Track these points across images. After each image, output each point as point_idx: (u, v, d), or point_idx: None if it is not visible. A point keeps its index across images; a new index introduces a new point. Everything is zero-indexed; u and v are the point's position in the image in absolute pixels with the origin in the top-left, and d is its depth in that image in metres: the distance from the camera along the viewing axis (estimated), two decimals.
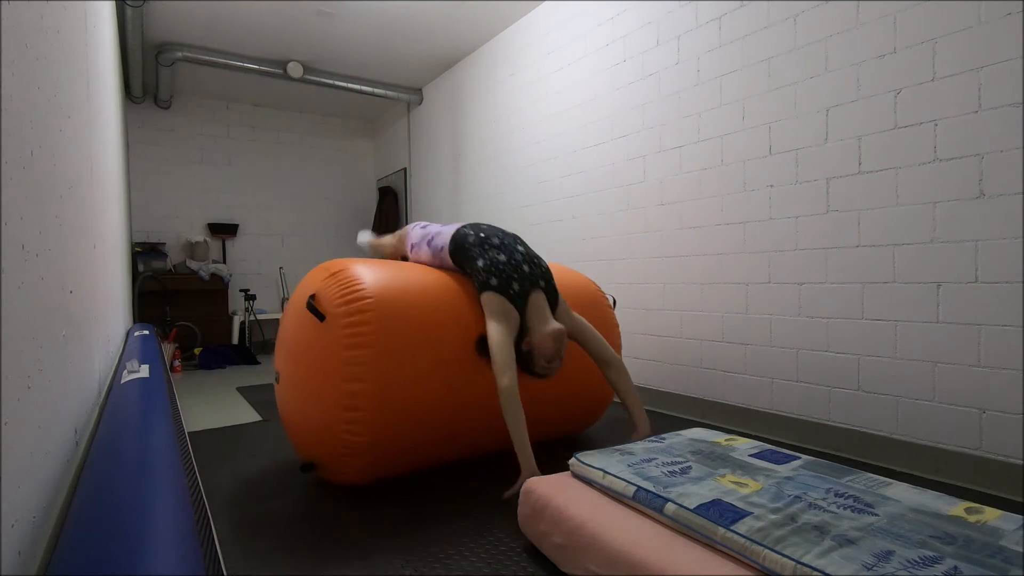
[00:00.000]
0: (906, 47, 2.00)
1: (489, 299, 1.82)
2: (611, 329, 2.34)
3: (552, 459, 2.17)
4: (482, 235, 1.98)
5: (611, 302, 2.50)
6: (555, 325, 1.84)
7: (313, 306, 1.75)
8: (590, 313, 2.28)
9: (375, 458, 1.75)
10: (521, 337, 1.85)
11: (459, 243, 1.99)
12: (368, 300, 1.75)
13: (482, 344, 1.88)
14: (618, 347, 2.34)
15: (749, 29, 2.51)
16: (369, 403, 1.68)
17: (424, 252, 2.15)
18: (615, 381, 1.99)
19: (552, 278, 1.98)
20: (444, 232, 2.09)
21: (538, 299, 1.88)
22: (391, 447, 1.76)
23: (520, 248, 1.98)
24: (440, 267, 2.09)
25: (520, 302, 1.85)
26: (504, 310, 1.81)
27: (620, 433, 2.55)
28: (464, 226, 2.06)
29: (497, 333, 1.77)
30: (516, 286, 1.85)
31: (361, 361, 1.68)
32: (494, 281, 1.84)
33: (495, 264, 1.87)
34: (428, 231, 2.17)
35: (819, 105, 2.26)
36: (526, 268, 1.91)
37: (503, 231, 2.04)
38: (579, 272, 2.46)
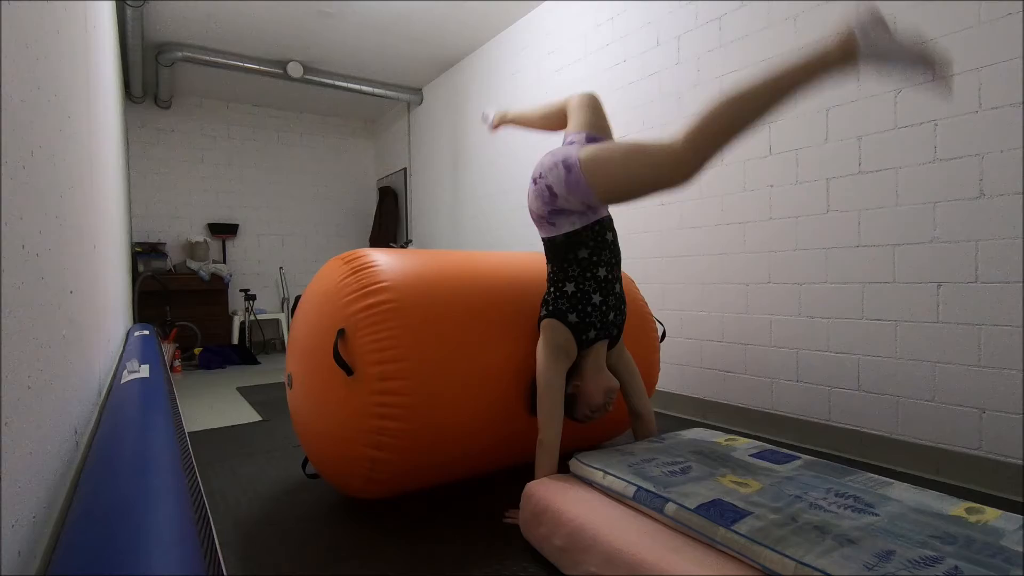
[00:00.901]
0: None
1: (556, 331, 1.60)
2: (651, 361, 2.12)
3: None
4: (595, 257, 1.64)
5: (660, 333, 2.28)
6: (611, 380, 1.67)
7: (340, 360, 1.51)
8: (632, 340, 2.05)
9: (398, 478, 1.58)
10: (569, 378, 1.67)
11: (569, 245, 1.64)
12: (392, 308, 1.56)
13: (532, 400, 1.69)
14: (655, 379, 2.18)
15: (749, 29, 2.51)
16: (396, 442, 1.50)
17: (540, 204, 1.65)
18: (638, 434, 1.84)
19: (623, 326, 1.78)
20: (565, 217, 1.62)
21: (601, 346, 1.69)
22: (418, 466, 1.59)
23: (617, 288, 1.70)
24: (569, 196, 1.56)
25: (585, 347, 1.67)
26: (567, 350, 1.60)
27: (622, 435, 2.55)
28: (593, 224, 1.64)
29: (551, 374, 1.57)
30: (592, 333, 1.64)
31: (392, 376, 1.48)
32: (573, 318, 1.61)
33: (585, 301, 1.63)
34: (558, 204, 1.61)
35: (819, 105, 2.26)
36: (611, 316, 1.68)
37: (615, 257, 1.70)
38: (636, 289, 2.23)
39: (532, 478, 1.70)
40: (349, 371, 1.51)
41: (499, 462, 1.82)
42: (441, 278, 1.71)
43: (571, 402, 1.67)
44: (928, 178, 1.95)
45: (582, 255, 1.64)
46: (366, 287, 1.59)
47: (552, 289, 1.67)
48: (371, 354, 1.49)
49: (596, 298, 1.64)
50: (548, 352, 1.59)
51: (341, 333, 1.55)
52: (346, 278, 1.65)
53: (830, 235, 2.24)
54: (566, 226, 1.63)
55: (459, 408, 1.58)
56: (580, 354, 1.67)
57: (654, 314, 3.02)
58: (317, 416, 1.65)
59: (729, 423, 2.65)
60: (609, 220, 1.70)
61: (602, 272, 1.65)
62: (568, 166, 1.53)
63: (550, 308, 1.65)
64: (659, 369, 2.28)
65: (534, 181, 1.65)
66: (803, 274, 2.34)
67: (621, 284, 1.73)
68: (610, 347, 1.76)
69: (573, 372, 1.68)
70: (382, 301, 1.56)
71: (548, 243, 1.69)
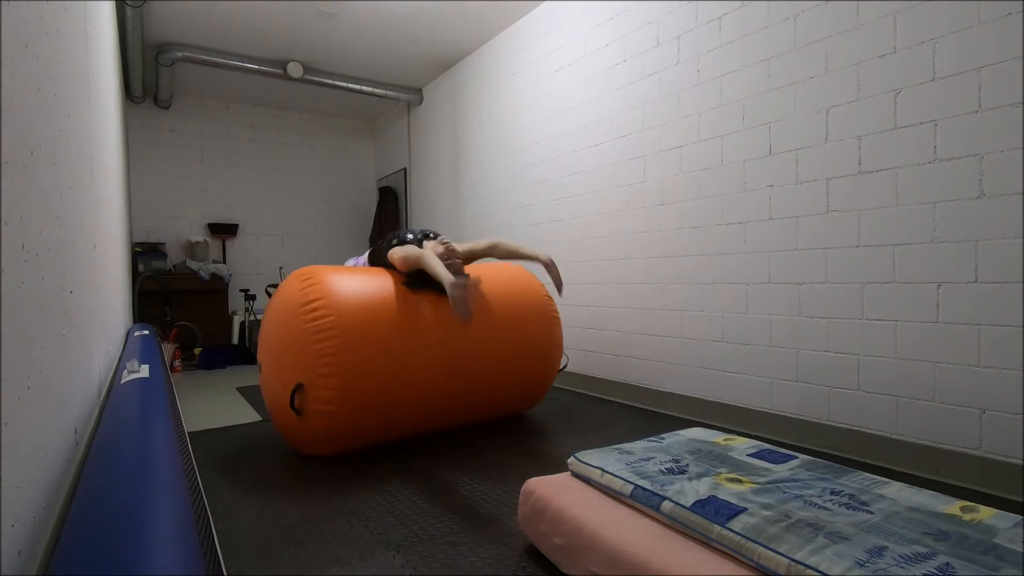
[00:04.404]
0: (906, 47, 2.00)
1: (394, 249, 2.37)
2: (550, 322, 2.73)
3: (551, 459, 2.17)
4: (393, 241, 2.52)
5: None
6: (435, 246, 2.33)
7: (293, 405, 2.06)
8: (529, 306, 2.68)
9: (343, 418, 2.08)
10: (423, 280, 2.33)
11: (373, 255, 2.57)
12: (324, 298, 2.13)
13: (410, 281, 2.35)
14: (557, 331, 2.74)
15: (749, 29, 2.51)
16: (338, 367, 2.04)
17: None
18: (502, 251, 2.49)
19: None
20: (361, 259, 2.75)
21: (430, 242, 2.39)
22: (358, 408, 2.10)
23: (415, 231, 2.54)
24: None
25: (418, 245, 2.40)
26: (406, 252, 2.30)
27: (611, 433, 2.55)
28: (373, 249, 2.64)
29: (409, 251, 2.27)
30: (409, 236, 2.45)
31: (328, 339, 2.06)
32: (395, 241, 2.46)
33: (399, 238, 2.48)
34: (357, 263, 2.78)
35: (819, 105, 2.26)
36: (420, 235, 2.49)
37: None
38: (523, 269, 2.89)
39: (516, 468, 1.71)
40: (299, 412, 2.07)
41: (442, 414, 2.39)
42: (371, 282, 2.30)
43: (433, 281, 2.24)
44: (928, 178, 1.95)
45: (382, 245, 2.54)
46: (307, 295, 2.14)
47: (388, 250, 2.43)
48: (311, 334, 2.06)
49: (408, 236, 2.48)
50: (401, 250, 2.33)
51: (299, 387, 2.06)
52: (294, 283, 2.24)
53: (830, 235, 2.24)
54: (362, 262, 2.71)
55: (385, 356, 2.15)
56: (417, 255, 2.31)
57: (652, 314, 3.02)
58: (278, 381, 2.17)
59: (729, 423, 2.65)
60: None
61: (392, 237, 2.53)
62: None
63: (389, 253, 2.39)
64: (560, 327, 2.79)
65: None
66: (803, 274, 2.34)
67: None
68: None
69: (425, 277, 2.31)
70: (320, 306, 2.11)
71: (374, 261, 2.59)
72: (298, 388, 2.04)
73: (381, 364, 2.13)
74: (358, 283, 2.23)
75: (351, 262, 2.82)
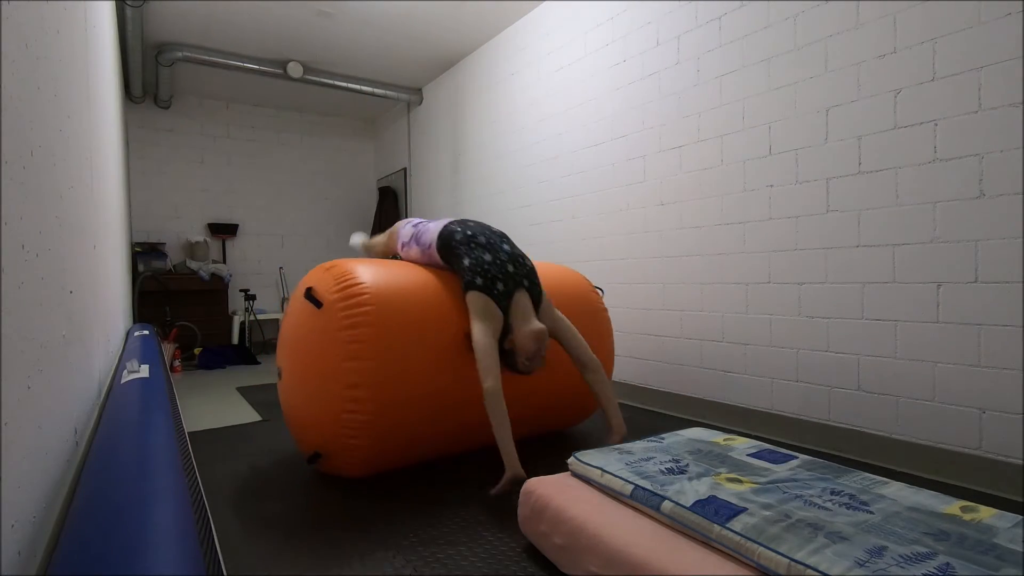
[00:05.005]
0: (906, 47, 2.00)
1: (473, 298, 1.85)
2: (601, 324, 2.38)
3: (549, 460, 2.17)
4: (468, 233, 1.98)
5: (600, 294, 2.53)
6: (536, 325, 1.85)
7: (311, 295, 1.83)
8: (579, 308, 2.30)
9: (376, 447, 1.79)
10: (504, 335, 1.87)
11: (446, 240, 2.00)
12: (366, 293, 1.80)
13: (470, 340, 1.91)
14: (608, 340, 2.37)
15: (749, 29, 2.51)
16: (369, 394, 1.72)
17: (414, 250, 2.16)
18: (592, 383, 1.99)
19: (536, 277, 1.98)
20: (432, 229, 2.09)
21: (522, 298, 1.90)
22: (391, 436, 1.80)
23: (506, 247, 1.98)
24: (429, 264, 2.11)
25: (504, 301, 1.86)
26: (488, 310, 1.83)
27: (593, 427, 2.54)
28: (451, 222, 2.05)
29: (480, 334, 1.79)
30: (500, 286, 1.86)
31: (360, 355, 1.72)
32: (479, 281, 1.86)
33: (480, 263, 1.88)
34: (418, 229, 2.17)
35: (819, 105, 2.26)
36: (511, 268, 1.92)
37: (490, 229, 2.05)
38: (569, 268, 2.51)
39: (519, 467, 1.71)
40: (319, 304, 1.81)
41: (472, 437, 2.03)
42: (406, 275, 1.97)
43: (511, 357, 1.86)
44: (928, 178, 1.95)
45: (457, 239, 1.97)
46: (341, 281, 1.84)
47: (461, 275, 1.94)
48: (344, 331, 1.75)
49: (487, 256, 1.91)
50: (474, 318, 1.83)
51: (309, 289, 1.86)
52: (324, 273, 1.91)
53: (830, 235, 2.24)
54: (431, 238, 2.07)
55: (417, 384, 1.81)
56: (505, 310, 1.87)
57: (652, 315, 3.02)
58: (302, 392, 1.89)
59: (729, 423, 2.65)
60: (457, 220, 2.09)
61: (481, 240, 1.97)
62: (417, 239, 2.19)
63: (465, 285, 1.90)
64: (611, 325, 2.51)
65: (403, 247, 2.25)
66: (803, 274, 2.34)
67: (511, 246, 2.01)
68: (536, 303, 1.95)
69: (506, 333, 1.88)
70: (356, 292, 1.80)
71: (442, 256, 2.03)
72: (314, 458, 1.86)
73: (422, 388, 1.81)
74: (401, 282, 1.90)
75: (407, 227, 2.24)
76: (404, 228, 2.26)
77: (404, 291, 1.88)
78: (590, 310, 2.37)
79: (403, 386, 1.78)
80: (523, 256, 2.00)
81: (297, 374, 1.92)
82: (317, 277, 1.92)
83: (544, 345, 1.85)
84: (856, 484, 1.29)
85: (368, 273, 1.87)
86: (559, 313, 2.03)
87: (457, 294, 1.97)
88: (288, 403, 1.99)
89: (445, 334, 1.88)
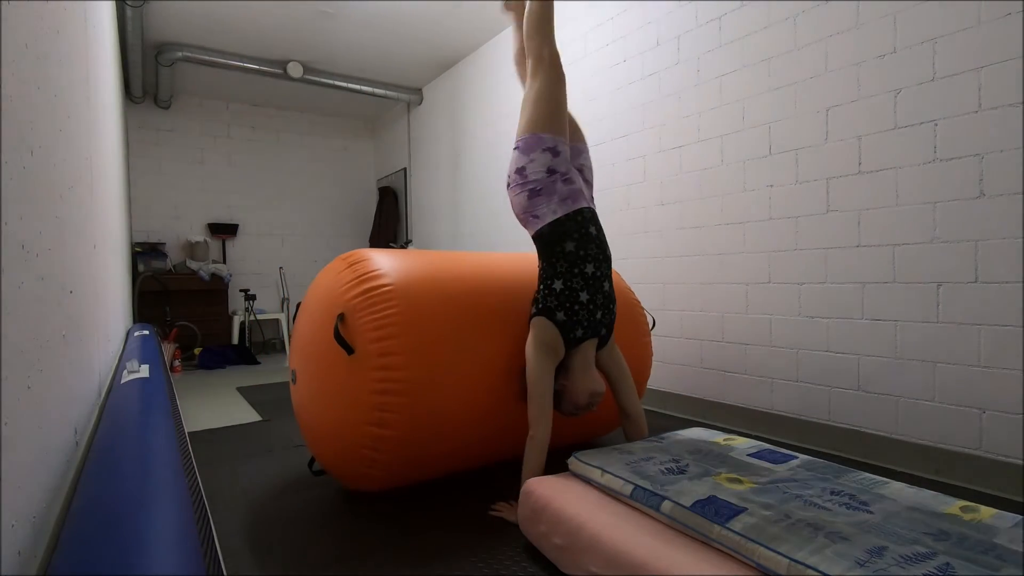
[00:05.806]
0: (906, 47, 2.00)
1: (544, 328, 1.65)
2: (642, 355, 2.20)
3: (549, 460, 2.17)
4: (582, 253, 1.69)
5: (650, 323, 2.31)
6: (597, 383, 1.71)
7: (341, 339, 1.57)
8: (621, 331, 2.11)
9: (399, 460, 1.62)
10: (557, 371, 1.72)
11: (556, 237, 1.70)
12: (390, 289, 1.62)
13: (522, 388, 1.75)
14: (645, 372, 2.24)
15: (749, 29, 2.51)
16: (397, 418, 1.54)
17: (519, 198, 1.76)
18: (626, 429, 1.86)
19: (613, 325, 1.80)
20: (544, 201, 1.71)
21: (590, 346, 1.73)
22: (417, 458, 1.64)
23: (606, 286, 1.74)
24: (523, 206, 1.75)
25: (574, 346, 1.70)
26: (555, 346, 1.65)
27: (617, 434, 2.54)
28: (575, 214, 1.70)
29: (540, 371, 1.61)
30: (579, 332, 1.68)
31: (391, 351, 1.54)
32: (561, 316, 1.65)
33: (572, 297, 1.67)
34: (528, 178, 1.72)
35: (819, 105, 2.26)
36: (599, 315, 1.71)
37: (603, 253, 1.75)
38: (626, 287, 2.30)
39: (516, 467, 1.70)
40: (350, 350, 1.56)
41: (497, 451, 1.86)
42: (435, 271, 1.78)
43: (557, 396, 1.72)
44: (928, 178, 1.95)
45: (568, 248, 1.69)
46: (363, 276, 1.67)
47: (542, 287, 1.72)
48: (370, 332, 1.56)
49: (583, 296, 1.68)
50: (536, 349, 1.64)
51: (341, 317, 1.62)
52: (344, 271, 1.74)
53: (830, 235, 2.24)
54: (548, 215, 1.71)
55: (456, 393, 1.63)
56: (568, 352, 1.71)
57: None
58: (320, 402, 1.71)
59: (729, 423, 2.65)
60: (591, 213, 1.77)
61: (589, 268, 1.70)
62: (515, 147, 1.78)
63: (539, 306, 1.70)
64: (651, 363, 2.32)
65: (508, 186, 1.80)
66: (803, 274, 2.34)
67: (611, 283, 1.78)
68: (600, 346, 1.79)
69: (561, 369, 1.72)
70: (380, 286, 1.63)
71: (537, 240, 1.75)
72: (315, 465, 1.70)
73: (455, 405, 1.63)
74: (432, 277, 1.74)
75: (543, 154, 1.72)
76: (538, 152, 1.72)
77: (435, 295, 1.67)
78: (633, 335, 2.16)
79: (436, 406, 1.60)
80: (614, 301, 1.78)
81: (314, 382, 1.75)
82: (342, 283, 1.69)
83: (597, 402, 1.71)
84: (856, 484, 1.29)
85: (394, 267, 1.68)
86: (619, 354, 1.86)
87: (501, 301, 1.76)
88: (302, 409, 1.85)
89: (485, 347, 1.69)
